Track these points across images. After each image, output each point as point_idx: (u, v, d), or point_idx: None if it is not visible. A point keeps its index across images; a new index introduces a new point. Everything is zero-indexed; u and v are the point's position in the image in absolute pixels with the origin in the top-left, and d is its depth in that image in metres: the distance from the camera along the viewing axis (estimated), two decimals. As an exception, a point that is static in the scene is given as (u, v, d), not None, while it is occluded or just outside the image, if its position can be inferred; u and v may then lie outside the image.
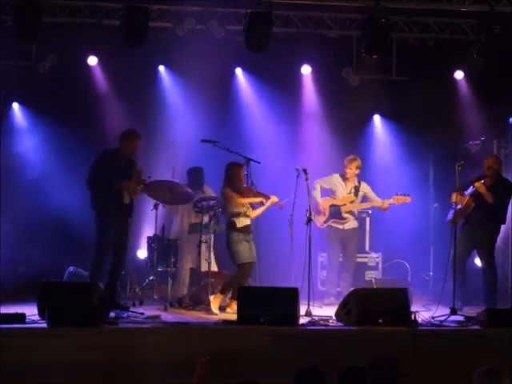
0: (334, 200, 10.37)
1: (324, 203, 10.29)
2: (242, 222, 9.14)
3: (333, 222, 10.32)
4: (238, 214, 9.13)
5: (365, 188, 10.42)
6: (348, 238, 10.36)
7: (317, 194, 10.20)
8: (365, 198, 10.44)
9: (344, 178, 10.37)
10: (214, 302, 8.98)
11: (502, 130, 11.61)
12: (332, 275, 10.37)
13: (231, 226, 9.12)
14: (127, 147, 8.87)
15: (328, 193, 10.45)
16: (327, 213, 10.28)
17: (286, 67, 11.54)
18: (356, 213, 10.47)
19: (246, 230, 9.17)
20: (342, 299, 9.99)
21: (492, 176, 9.62)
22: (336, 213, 10.32)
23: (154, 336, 7.61)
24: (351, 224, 10.38)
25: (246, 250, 9.09)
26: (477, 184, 9.51)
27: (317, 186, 10.15)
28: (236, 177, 9.18)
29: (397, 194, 10.21)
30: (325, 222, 10.24)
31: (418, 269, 11.36)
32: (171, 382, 7.12)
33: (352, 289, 8.95)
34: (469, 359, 7.28)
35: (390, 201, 10.24)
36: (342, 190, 10.40)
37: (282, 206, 9.36)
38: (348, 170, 10.30)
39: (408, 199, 10.20)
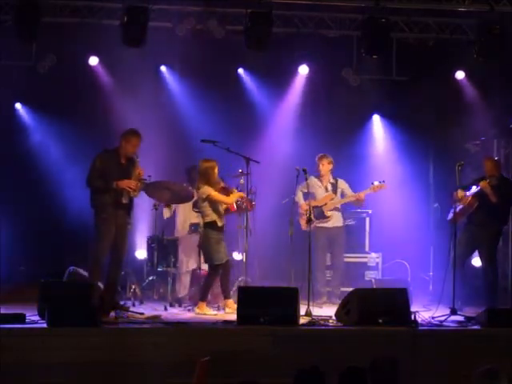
0: (315, 201, 10.36)
1: (307, 206, 10.20)
2: (221, 221, 9.15)
3: (318, 222, 10.32)
4: (220, 214, 9.13)
5: (342, 185, 10.47)
6: (334, 236, 10.37)
7: (299, 198, 10.17)
8: (343, 195, 10.48)
9: (319, 177, 10.42)
10: (202, 309, 8.95)
11: (502, 130, 11.61)
12: (321, 275, 10.36)
13: (212, 225, 9.07)
14: (127, 146, 8.85)
15: (310, 196, 10.43)
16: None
17: (286, 67, 11.56)
18: (340, 208, 10.47)
19: (222, 229, 9.18)
20: (334, 298, 10.12)
21: (496, 176, 9.63)
22: (319, 213, 10.33)
23: (154, 336, 7.60)
24: (336, 222, 10.39)
25: (223, 249, 9.10)
26: (482, 183, 9.50)
27: (298, 191, 10.10)
28: (213, 174, 9.14)
29: (372, 184, 10.24)
30: (310, 225, 10.20)
31: (417, 269, 11.37)
32: (171, 382, 7.12)
33: (350, 289, 8.95)
34: (469, 359, 7.27)
35: (367, 191, 10.28)
36: (321, 190, 10.44)
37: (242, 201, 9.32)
38: (321, 167, 10.35)
39: (384, 186, 10.26)
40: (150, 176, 9.40)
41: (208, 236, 9.08)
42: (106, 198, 8.69)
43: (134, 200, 8.97)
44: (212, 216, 9.09)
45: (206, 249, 9.16)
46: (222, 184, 9.31)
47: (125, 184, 8.69)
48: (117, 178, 8.70)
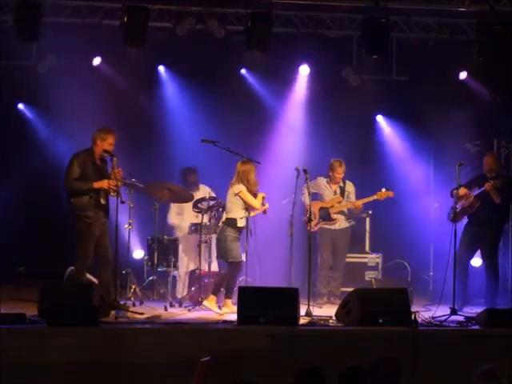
0: (323, 203, 10.37)
1: (313, 207, 10.16)
2: (242, 223, 9.16)
3: (323, 223, 10.33)
4: (243, 215, 9.14)
5: (349, 188, 10.48)
6: (338, 238, 10.37)
7: (305, 198, 10.10)
8: (348, 198, 10.47)
9: (330, 180, 10.41)
10: (211, 303, 9.00)
11: (502, 130, 11.60)
12: (323, 275, 10.35)
13: (232, 223, 9.11)
14: (103, 145, 8.70)
15: (316, 196, 10.43)
16: (317, 216, 10.27)
17: (286, 67, 11.55)
18: (346, 212, 10.48)
19: (242, 230, 9.20)
20: (334, 298, 10.11)
21: (499, 177, 9.63)
22: (325, 215, 10.34)
23: (154, 336, 7.60)
24: (342, 224, 10.41)
25: (238, 248, 9.14)
26: (487, 185, 9.48)
27: (305, 190, 9.98)
28: (251, 177, 9.15)
29: (380, 190, 10.23)
30: (315, 225, 10.18)
31: (418, 269, 11.37)
32: (171, 381, 7.12)
33: (350, 289, 8.95)
34: (469, 359, 7.27)
35: (374, 197, 10.27)
36: (328, 192, 10.44)
37: (266, 210, 9.33)
38: (337, 175, 10.33)
39: (391, 194, 10.26)
40: (130, 174, 9.31)
41: (225, 233, 9.11)
42: (86, 200, 8.59)
43: (110, 200, 8.79)
44: (235, 214, 9.12)
45: (221, 245, 9.18)
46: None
47: (106, 184, 8.62)
48: (94, 179, 8.62)
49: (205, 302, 9.05)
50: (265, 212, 9.32)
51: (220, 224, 9.43)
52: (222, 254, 9.22)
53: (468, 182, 9.86)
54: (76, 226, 8.66)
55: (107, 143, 8.70)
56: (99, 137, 8.72)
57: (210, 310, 8.94)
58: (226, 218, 9.20)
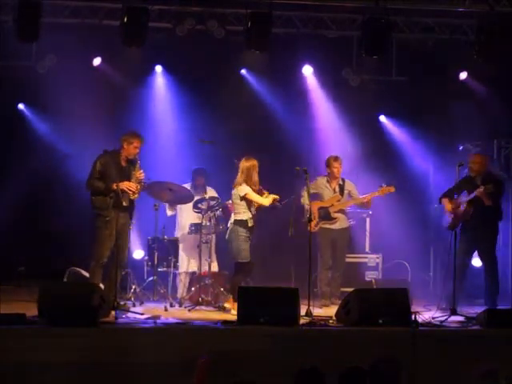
0: (322, 202, 10.34)
1: (312, 207, 10.09)
2: (252, 222, 9.14)
3: (323, 223, 10.29)
4: (252, 214, 9.12)
5: (349, 186, 10.42)
6: (338, 237, 10.31)
7: (305, 200, 10.09)
8: (349, 196, 10.44)
9: (330, 177, 10.37)
10: (231, 306, 8.98)
11: (501, 130, 11.61)
12: (323, 275, 10.35)
13: (242, 223, 9.08)
14: (129, 149, 8.88)
15: (316, 197, 10.41)
16: (317, 216, 10.25)
17: (286, 68, 11.56)
18: (346, 211, 10.46)
19: (252, 229, 9.18)
20: (334, 298, 10.10)
21: (488, 176, 9.59)
22: (325, 214, 10.29)
23: (154, 336, 7.62)
24: (342, 224, 10.35)
25: (248, 249, 9.10)
26: (478, 192, 9.42)
27: (304, 193, 9.96)
28: (254, 173, 9.13)
29: (381, 186, 10.21)
30: (316, 225, 10.16)
31: (417, 269, 11.36)
32: (171, 381, 7.12)
33: (350, 289, 8.96)
34: (469, 359, 7.27)
35: (375, 193, 10.25)
36: (328, 191, 10.38)
37: (281, 202, 9.30)
38: (334, 169, 10.28)
39: (392, 189, 10.21)
40: (149, 179, 9.39)
41: (237, 233, 9.09)
42: (106, 200, 8.73)
43: (135, 202, 8.96)
44: (244, 215, 9.11)
45: (232, 245, 9.15)
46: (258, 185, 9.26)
47: (124, 185, 8.69)
48: (116, 180, 8.70)
49: (227, 305, 9.07)
50: (279, 203, 9.23)
51: (228, 225, 9.39)
52: (234, 254, 9.15)
53: (456, 186, 9.71)
54: (94, 224, 8.80)
55: (133, 146, 8.90)
56: (126, 140, 8.92)
57: (230, 311, 8.89)
58: (236, 219, 9.17)
